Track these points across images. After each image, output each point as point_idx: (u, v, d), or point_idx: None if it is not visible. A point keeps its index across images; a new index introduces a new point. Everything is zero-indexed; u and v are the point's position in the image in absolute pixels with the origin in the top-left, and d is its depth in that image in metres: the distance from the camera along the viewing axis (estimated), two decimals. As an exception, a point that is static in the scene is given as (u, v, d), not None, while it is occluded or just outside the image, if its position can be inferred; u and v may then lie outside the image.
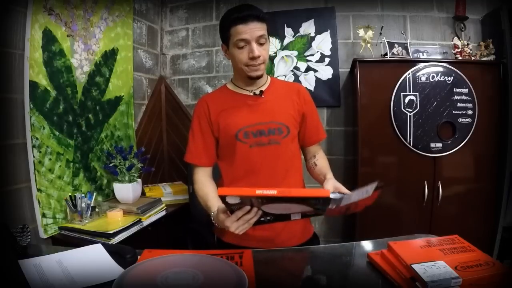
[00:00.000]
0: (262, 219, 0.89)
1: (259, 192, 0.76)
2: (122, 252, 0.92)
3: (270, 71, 2.40)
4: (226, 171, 1.21)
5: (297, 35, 2.37)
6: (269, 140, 1.14)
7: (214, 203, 1.04)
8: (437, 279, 0.70)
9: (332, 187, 0.99)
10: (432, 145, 1.97)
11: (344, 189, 0.97)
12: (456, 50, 2.12)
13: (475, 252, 0.85)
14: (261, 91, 1.18)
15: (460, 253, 0.83)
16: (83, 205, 1.62)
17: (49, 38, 1.57)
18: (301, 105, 1.21)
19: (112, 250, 0.95)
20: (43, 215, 1.54)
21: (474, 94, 1.96)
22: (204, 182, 1.17)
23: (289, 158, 1.19)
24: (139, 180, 1.91)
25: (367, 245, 1.01)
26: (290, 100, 1.20)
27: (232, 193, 0.82)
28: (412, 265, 0.74)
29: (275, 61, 2.40)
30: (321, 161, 1.23)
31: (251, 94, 1.18)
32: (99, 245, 0.98)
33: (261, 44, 1.09)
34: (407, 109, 1.98)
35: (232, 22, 1.06)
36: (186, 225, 1.83)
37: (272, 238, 1.14)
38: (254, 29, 1.06)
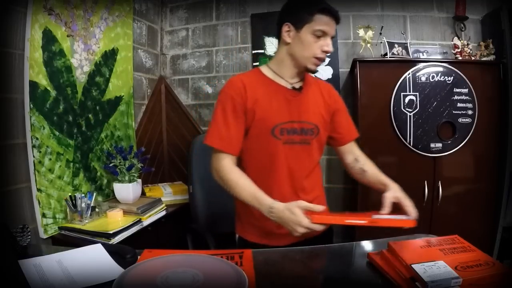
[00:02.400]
0: None
1: (349, 221, 0.75)
2: (122, 252, 0.91)
3: (270, 71, 2.39)
4: (250, 164, 1.15)
5: (297, 35, 2.37)
6: (300, 139, 1.12)
7: (264, 195, 0.99)
8: (437, 279, 0.69)
9: (394, 198, 0.96)
10: (432, 145, 1.97)
11: (406, 202, 0.95)
12: (456, 50, 2.12)
13: (475, 252, 0.85)
14: (301, 87, 1.14)
15: (460, 253, 0.83)
16: (83, 205, 1.62)
17: (49, 38, 1.57)
18: (331, 105, 1.20)
19: (112, 250, 0.94)
20: (43, 215, 1.54)
21: (474, 94, 1.96)
22: (238, 171, 1.07)
23: (315, 159, 1.18)
24: (139, 180, 1.91)
25: (367, 245, 1.01)
26: (322, 99, 1.18)
27: (326, 222, 0.83)
28: (412, 265, 0.74)
29: (275, 61, 2.40)
30: (370, 167, 1.18)
31: (289, 87, 1.13)
32: (99, 245, 0.98)
33: None
34: (407, 109, 1.98)
35: (320, 10, 1.03)
36: (186, 225, 1.83)
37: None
38: (333, 27, 1.05)
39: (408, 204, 0.94)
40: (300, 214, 0.87)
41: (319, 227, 0.82)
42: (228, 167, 1.07)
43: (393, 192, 0.98)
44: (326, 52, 1.06)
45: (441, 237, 0.92)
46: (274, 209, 0.94)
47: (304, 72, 1.14)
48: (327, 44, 1.05)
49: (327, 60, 2.34)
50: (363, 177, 1.18)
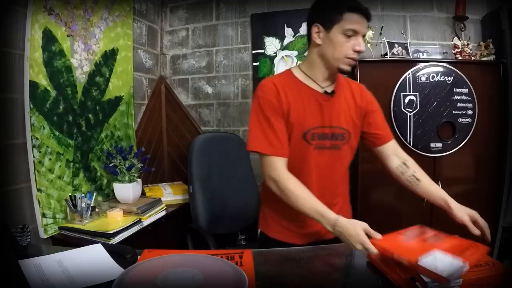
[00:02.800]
0: None
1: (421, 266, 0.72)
2: (122, 252, 0.92)
3: (270, 71, 2.40)
4: None
5: (297, 35, 2.37)
6: (331, 145, 1.10)
7: (327, 210, 0.96)
8: (452, 270, 0.68)
9: (471, 217, 0.95)
10: (432, 145, 1.97)
11: (479, 220, 0.94)
12: (456, 50, 2.12)
13: (451, 237, 0.86)
14: (333, 92, 1.11)
15: (442, 241, 0.84)
16: (83, 205, 1.62)
17: (49, 38, 1.57)
18: (363, 107, 1.16)
19: (112, 250, 0.95)
20: (43, 215, 1.54)
21: (474, 94, 1.96)
22: (295, 180, 1.03)
23: (345, 165, 1.17)
24: (139, 180, 1.91)
25: (367, 245, 1.01)
26: (353, 102, 1.15)
27: (384, 251, 0.80)
28: (419, 263, 0.72)
29: (275, 61, 2.40)
30: (423, 175, 1.11)
31: (321, 91, 1.10)
32: (99, 245, 0.98)
33: None
34: (407, 109, 1.98)
35: (350, 9, 1.00)
36: (186, 225, 1.83)
37: (322, 232, 1.11)
38: (365, 25, 1.03)
39: (485, 226, 0.93)
40: (362, 232, 0.85)
41: (374, 250, 0.81)
42: (285, 176, 1.03)
43: (465, 212, 0.96)
44: (358, 51, 1.02)
45: (408, 229, 0.92)
46: (338, 223, 0.91)
47: (336, 74, 1.11)
48: (358, 43, 1.01)
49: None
50: (415, 187, 1.11)
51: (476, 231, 0.92)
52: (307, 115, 1.08)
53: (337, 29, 1.01)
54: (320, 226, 0.99)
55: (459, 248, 0.79)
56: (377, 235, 0.85)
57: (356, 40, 1.01)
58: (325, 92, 1.10)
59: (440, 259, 0.73)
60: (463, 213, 0.96)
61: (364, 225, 0.87)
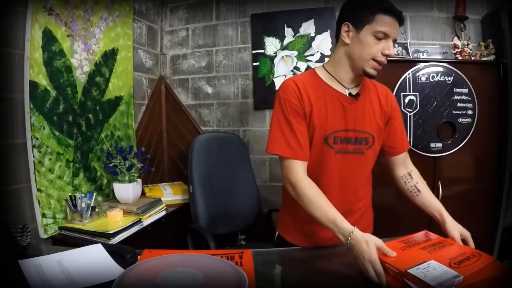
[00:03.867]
0: None
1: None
2: (122, 252, 0.92)
3: (270, 71, 2.40)
4: None
5: (297, 35, 2.37)
6: (354, 149, 1.07)
7: (343, 221, 0.90)
8: (442, 280, 0.67)
9: (462, 235, 0.94)
10: (432, 145, 1.97)
11: (469, 240, 0.93)
12: (456, 50, 2.12)
13: (454, 246, 0.86)
14: (358, 94, 1.07)
15: (443, 249, 0.83)
16: (83, 205, 1.62)
17: (49, 38, 1.57)
18: (387, 112, 1.14)
19: (112, 250, 0.95)
20: (43, 215, 1.54)
21: (474, 94, 1.96)
22: (313, 186, 1.00)
23: (367, 170, 1.14)
24: (139, 180, 1.91)
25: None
26: (379, 105, 1.12)
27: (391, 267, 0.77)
28: (408, 271, 0.71)
29: (275, 61, 2.40)
30: (424, 187, 1.12)
31: (346, 93, 1.07)
32: (99, 245, 0.98)
33: None
34: (407, 109, 1.98)
35: (383, 10, 0.96)
36: (186, 225, 1.83)
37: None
38: (396, 29, 0.99)
39: (472, 244, 0.92)
40: (374, 249, 0.81)
41: (381, 270, 0.77)
42: (303, 181, 1.00)
43: (457, 229, 0.96)
44: (387, 55, 0.98)
45: (412, 235, 0.91)
46: (353, 235, 0.86)
47: (361, 77, 1.07)
48: (388, 47, 0.97)
49: (327, 60, 2.34)
50: (414, 198, 1.12)
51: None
52: (329, 118, 1.04)
53: (368, 29, 0.98)
54: None
55: (460, 257, 0.77)
56: (392, 253, 0.80)
57: (387, 43, 0.98)
58: (350, 94, 1.07)
59: (432, 268, 0.72)
60: (455, 230, 0.95)
61: (379, 241, 0.82)
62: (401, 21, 0.99)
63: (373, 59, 0.99)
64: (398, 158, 1.17)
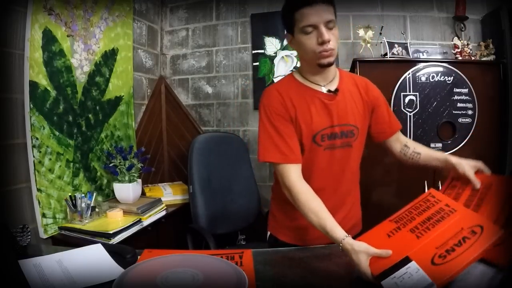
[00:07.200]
0: None
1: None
2: (122, 252, 0.92)
3: (270, 71, 2.40)
4: None
5: (297, 35, 2.37)
6: (341, 143, 1.09)
7: (335, 228, 0.90)
8: None
9: (474, 168, 0.98)
10: (432, 145, 1.97)
11: (483, 169, 0.98)
12: (456, 50, 2.12)
13: (456, 213, 0.78)
14: (337, 89, 1.09)
15: (438, 225, 0.77)
16: (83, 205, 1.62)
17: (49, 38, 1.57)
18: (370, 102, 1.15)
19: (112, 250, 0.95)
20: (43, 215, 1.54)
21: (474, 94, 1.96)
22: (308, 190, 1.00)
23: (356, 161, 1.16)
24: (139, 180, 1.91)
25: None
26: (360, 97, 1.14)
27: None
28: (382, 282, 0.69)
29: (275, 61, 2.40)
30: (422, 148, 1.17)
31: (324, 91, 1.09)
32: (99, 245, 0.98)
33: (329, 29, 0.97)
34: (407, 109, 1.98)
35: (296, 6, 0.97)
36: (186, 225, 1.83)
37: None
38: (321, 12, 0.96)
39: (487, 170, 0.98)
40: (363, 259, 0.79)
41: (371, 278, 0.77)
42: (297, 185, 1.01)
43: (466, 164, 0.98)
44: (323, 42, 0.96)
45: (411, 204, 0.90)
46: (343, 245, 0.85)
47: (327, 71, 1.07)
48: (320, 34, 0.96)
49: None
50: (418, 161, 1.16)
51: (478, 185, 0.94)
52: (314, 118, 1.06)
53: (297, 30, 1.00)
54: None
55: (453, 240, 0.71)
56: (386, 254, 0.78)
57: (318, 31, 0.97)
58: (329, 91, 1.09)
59: (409, 275, 0.69)
60: (467, 166, 0.97)
61: (369, 250, 0.80)
62: (319, 2, 0.96)
63: (317, 52, 0.99)
64: (391, 139, 1.21)
